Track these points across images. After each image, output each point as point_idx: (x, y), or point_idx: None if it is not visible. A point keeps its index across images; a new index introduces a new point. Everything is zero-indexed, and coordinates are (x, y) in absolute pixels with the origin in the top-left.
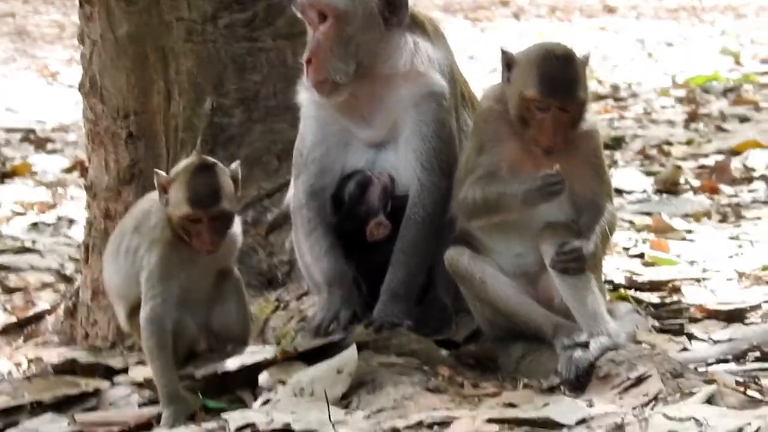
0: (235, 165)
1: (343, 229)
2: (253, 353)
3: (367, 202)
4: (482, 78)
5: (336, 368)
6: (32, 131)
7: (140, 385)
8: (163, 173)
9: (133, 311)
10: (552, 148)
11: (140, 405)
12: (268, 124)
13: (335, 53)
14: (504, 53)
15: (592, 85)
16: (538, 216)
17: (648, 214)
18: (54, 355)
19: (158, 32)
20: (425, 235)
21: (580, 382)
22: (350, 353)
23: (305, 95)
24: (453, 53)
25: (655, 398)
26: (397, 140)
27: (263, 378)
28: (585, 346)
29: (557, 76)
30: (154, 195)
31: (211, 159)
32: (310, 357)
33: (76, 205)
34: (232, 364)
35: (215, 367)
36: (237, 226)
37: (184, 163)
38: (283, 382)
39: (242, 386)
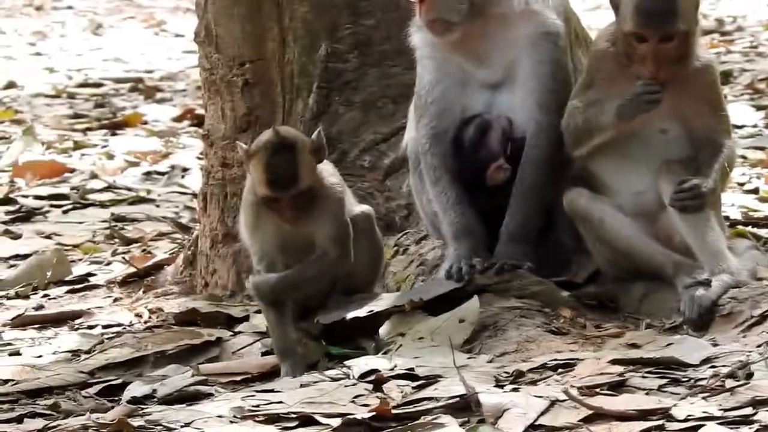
0: (317, 133)
1: (463, 174)
2: (377, 301)
3: (487, 147)
4: (583, 15)
5: (458, 318)
6: (141, 81)
7: (262, 334)
8: (243, 146)
9: None
10: (656, 80)
11: (263, 354)
12: (383, 68)
13: None
14: None
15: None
16: (656, 153)
17: (761, 148)
18: (174, 305)
19: None
20: (544, 176)
21: (703, 320)
22: (473, 303)
23: (419, 36)
24: None
25: None
26: (514, 81)
27: (384, 328)
28: (707, 284)
29: (652, 6)
30: None
31: (290, 134)
32: (433, 306)
33: (188, 153)
34: (357, 311)
35: (339, 314)
36: (332, 189)
37: (264, 136)
38: (403, 334)
39: (363, 334)
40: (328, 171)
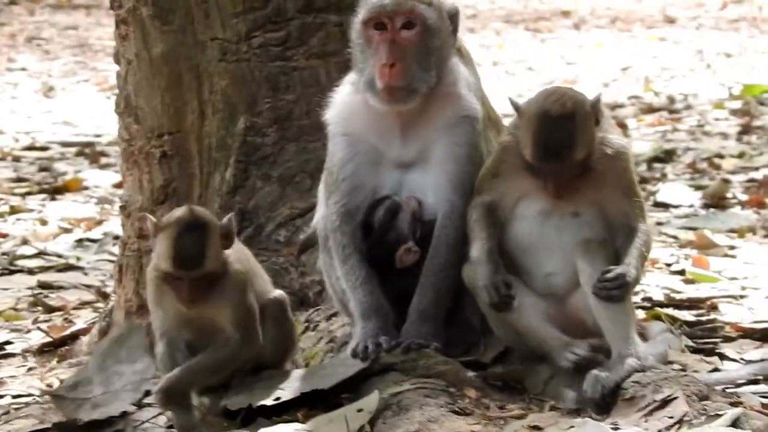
0: (228, 218)
1: (372, 255)
2: (284, 384)
3: (397, 229)
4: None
5: (356, 408)
6: (88, 145)
7: None
8: (153, 219)
9: None
10: (557, 198)
11: (167, 427)
12: (302, 143)
13: (419, 61)
14: (512, 103)
15: (648, 97)
16: (568, 235)
17: (693, 229)
18: None
19: (192, 52)
20: (455, 257)
21: (606, 403)
22: (372, 397)
23: (335, 112)
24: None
25: (680, 421)
26: (428, 161)
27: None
28: (593, 360)
29: (550, 141)
30: None
31: (203, 214)
32: (339, 388)
33: None
34: (263, 398)
35: (246, 399)
36: (235, 276)
37: (176, 213)
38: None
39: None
40: (234, 257)
